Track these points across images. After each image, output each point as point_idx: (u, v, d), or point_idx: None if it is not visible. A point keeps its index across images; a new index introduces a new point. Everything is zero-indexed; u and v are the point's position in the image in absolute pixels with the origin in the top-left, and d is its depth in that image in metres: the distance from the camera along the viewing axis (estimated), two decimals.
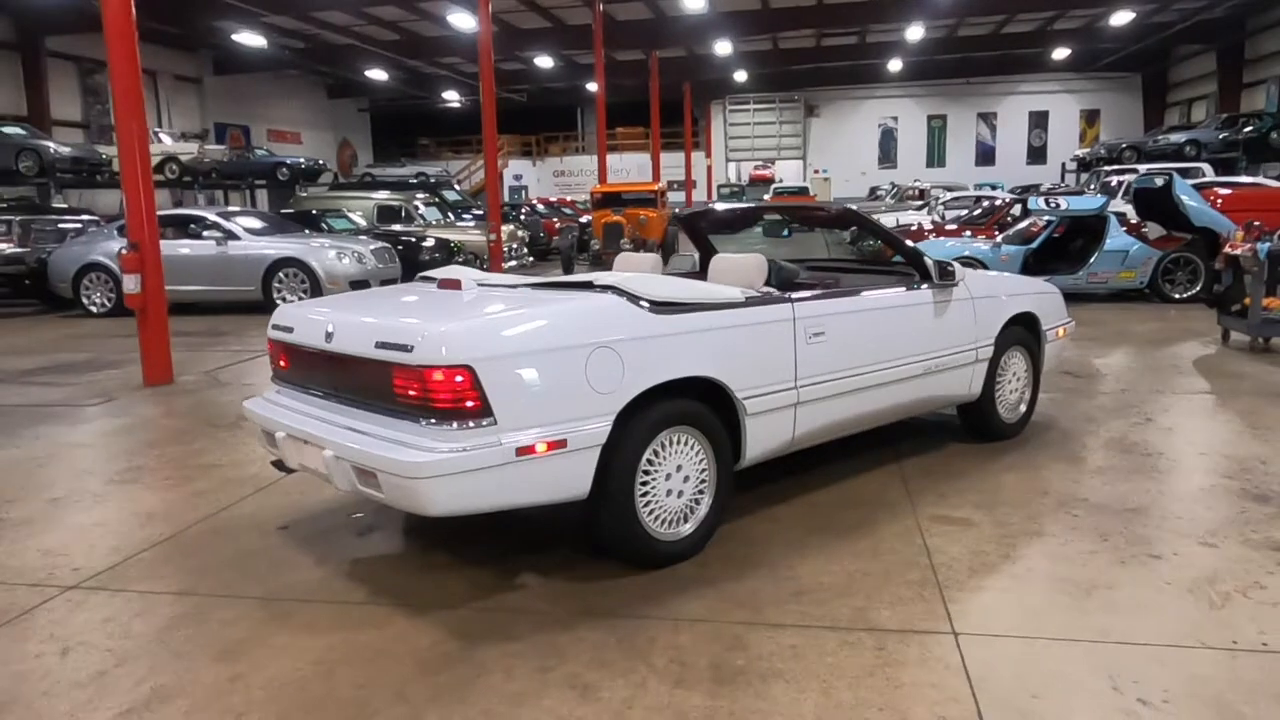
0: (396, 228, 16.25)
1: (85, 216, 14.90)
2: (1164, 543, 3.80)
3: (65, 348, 9.87)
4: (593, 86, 23.68)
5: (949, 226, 15.25)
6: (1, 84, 22.16)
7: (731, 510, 4.12)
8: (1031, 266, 11.27)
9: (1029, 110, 37.81)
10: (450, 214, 19.28)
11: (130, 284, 7.53)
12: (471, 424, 3.13)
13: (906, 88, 37.32)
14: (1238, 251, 8.03)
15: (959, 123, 38.44)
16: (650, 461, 3.54)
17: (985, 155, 38.35)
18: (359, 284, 11.55)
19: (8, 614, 3.40)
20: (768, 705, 2.68)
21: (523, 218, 21.14)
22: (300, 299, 10.96)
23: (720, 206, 5.99)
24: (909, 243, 5.01)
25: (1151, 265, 11.18)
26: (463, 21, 21.82)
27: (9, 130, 18.53)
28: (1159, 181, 10.82)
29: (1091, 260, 11.24)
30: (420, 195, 19.30)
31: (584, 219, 21.84)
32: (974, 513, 4.21)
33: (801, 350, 4.02)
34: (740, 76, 34.17)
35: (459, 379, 3.10)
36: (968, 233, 13.41)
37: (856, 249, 13.47)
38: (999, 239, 12.00)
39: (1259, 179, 18.22)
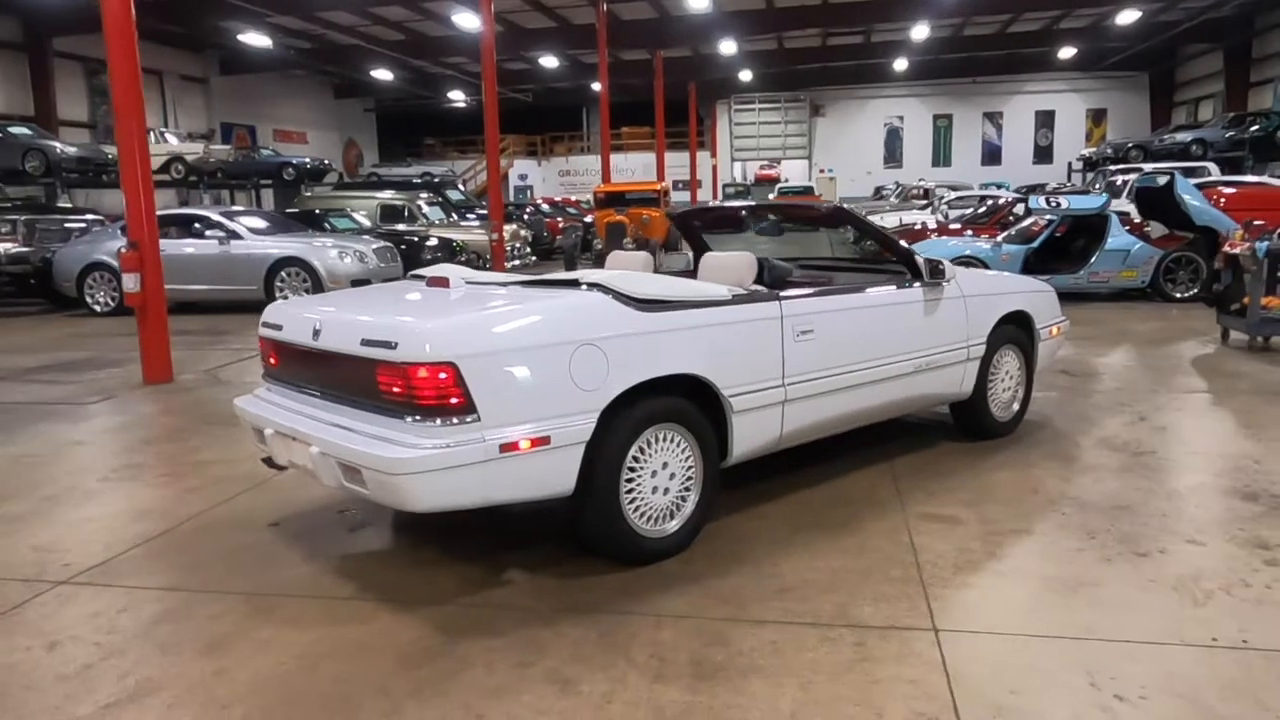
0: (400, 227, 16.30)
1: (90, 216, 14.98)
2: (1151, 541, 3.80)
3: (68, 346, 9.93)
4: (598, 86, 23.69)
5: (952, 226, 15.24)
6: (9, 84, 22.28)
7: (719, 507, 4.14)
8: (1033, 266, 11.25)
9: (1035, 109, 37.66)
10: (453, 214, 19.33)
11: (130, 283, 7.57)
12: (455, 420, 3.14)
13: (912, 87, 37.23)
14: (1237, 250, 8.01)
15: (965, 122, 38.31)
16: (635, 458, 3.55)
17: (991, 155, 38.23)
18: (360, 283, 11.58)
19: None
20: (745, 700, 2.69)
21: (526, 217, 21.18)
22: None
23: (713, 205, 6.01)
24: (901, 242, 5.02)
25: (1153, 264, 11.16)
26: (467, 21, 21.84)
27: (15, 130, 18.63)
28: (1161, 181, 10.79)
29: (1093, 260, 11.22)
30: (424, 195, 19.34)
31: (588, 219, 21.86)
32: (962, 511, 4.21)
33: (789, 348, 4.03)
34: (745, 76, 34.14)
35: (442, 376, 3.12)
36: (969, 232, 13.39)
37: (859, 248, 13.46)
38: (1000, 238, 11.98)
39: (1264, 178, 18.14)
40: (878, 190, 31.97)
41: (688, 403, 3.70)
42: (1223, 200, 13.74)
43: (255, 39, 23.88)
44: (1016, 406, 5.45)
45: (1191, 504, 4.23)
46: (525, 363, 3.26)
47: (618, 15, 24.91)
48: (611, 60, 26.64)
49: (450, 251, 14.54)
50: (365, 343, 3.29)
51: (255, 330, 4.11)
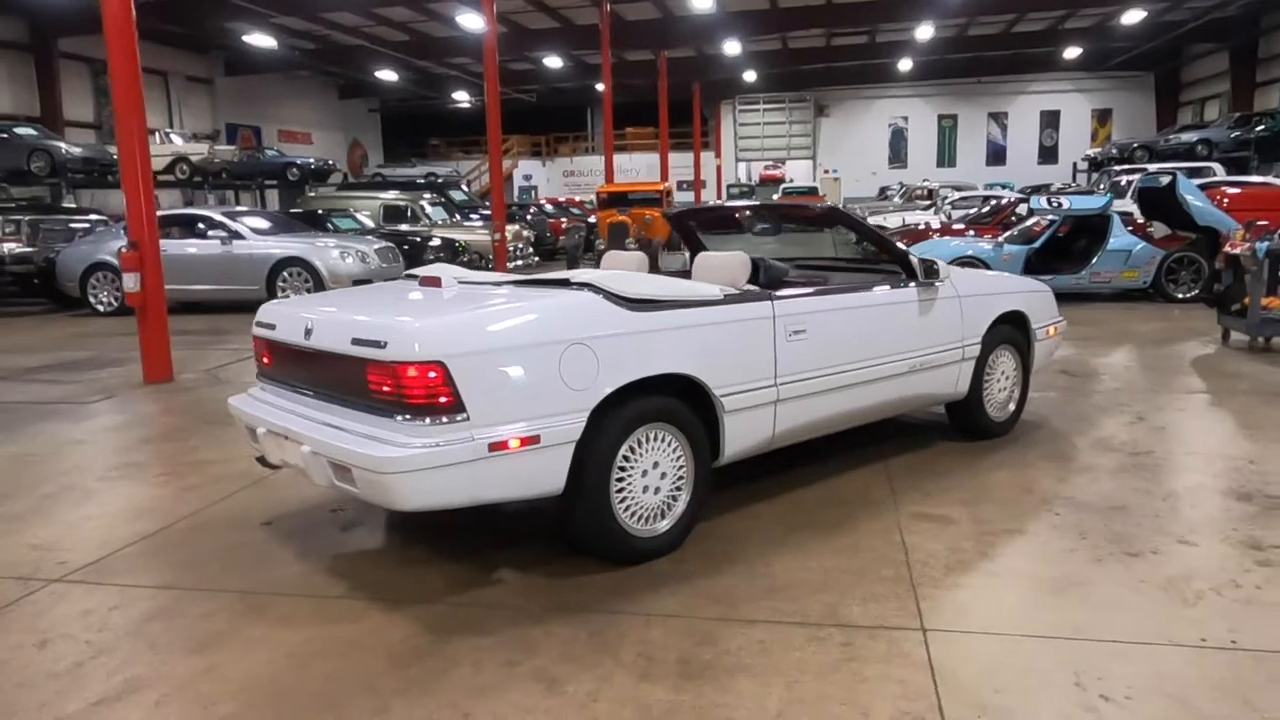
0: (403, 228, 16.34)
1: (93, 216, 15.03)
2: (1143, 541, 3.79)
3: (70, 346, 9.97)
4: (602, 87, 23.70)
5: (956, 226, 15.22)
6: (15, 85, 22.38)
7: (712, 507, 4.14)
8: (1034, 266, 11.23)
9: (1040, 109, 37.60)
10: (456, 214, 19.36)
11: (130, 283, 7.60)
12: (445, 419, 3.15)
13: (917, 87, 37.19)
14: (1237, 251, 7.98)
15: (970, 122, 38.26)
16: (626, 458, 3.55)
17: (996, 155, 38.17)
18: (362, 283, 11.60)
19: None
20: (731, 699, 2.70)
21: (529, 218, 21.19)
22: None
23: (707, 206, 6.02)
24: (899, 242, 5.02)
25: (1155, 265, 11.13)
26: (471, 22, 21.86)
27: (21, 131, 18.73)
28: (1163, 181, 10.76)
29: (1094, 260, 11.20)
30: (427, 195, 19.38)
31: (591, 219, 21.88)
32: (956, 510, 4.21)
33: (781, 348, 4.03)
34: (750, 76, 34.13)
35: (432, 375, 3.12)
36: (971, 232, 13.38)
37: (861, 248, 13.45)
38: (1002, 238, 11.96)
39: (1269, 178, 18.07)
40: (882, 191, 31.97)
41: (679, 402, 3.71)
42: (1226, 200, 13.71)
43: (260, 40, 23.94)
44: (1013, 407, 5.44)
45: (1186, 504, 4.22)
46: (514, 362, 3.27)
47: (621, 16, 24.92)
48: (616, 61, 26.66)
49: (453, 252, 14.56)
50: (355, 342, 3.30)
51: None
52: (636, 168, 37.57)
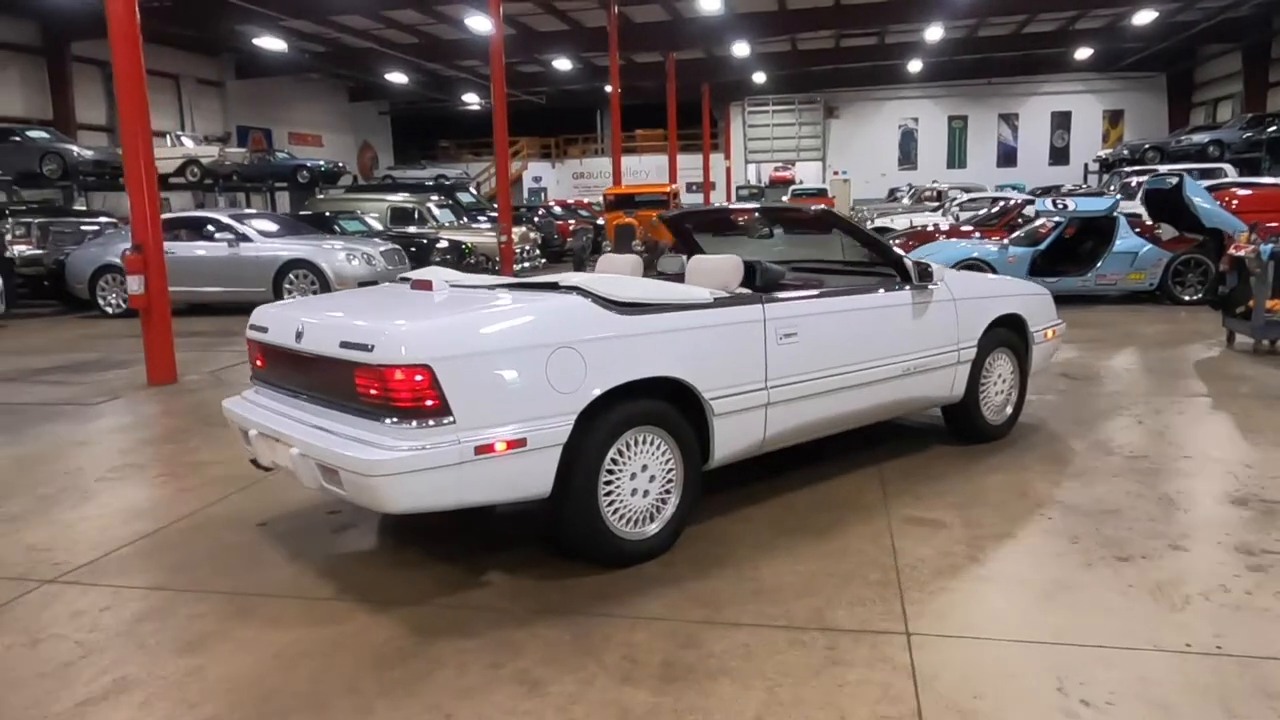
0: (410, 230, 16.41)
1: (103, 219, 15.16)
2: (1135, 545, 3.78)
3: (78, 348, 10.05)
4: (611, 88, 23.75)
5: (964, 228, 15.17)
6: (28, 88, 22.55)
7: (704, 510, 4.15)
8: (1040, 268, 11.19)
9: (1051, 110, 37.39)
10: (464, 216, 19.42)
11: (134, 285, 7.65)
12: (431, 422, 3.17)
13: (927, 88, 37.06)
14: (1242, 253, 7.94)
15: (980, 123, 38.09)
16: (614, 461, 3.56)
17: (1007, 156, 38.00)
18: (367, 285, 11.66)
19: None
20: (711, 703, 2.70)
21: (536, 220, 21.23)
22: None
23: (702, 209, 6.04)
24: (895, 245, 5.01)
25: (1161, 267, 11.07)
26: (480, 24, 21.95)
27: (34, 134, 18.90)
28: (1170, 182, 10.71)
29: (1100, 262, 11.15)
30: (434, 197, 19.44)
31: (599, 221, 21.92)
32: (947, 514, 4.20)
33: (772, 351, 4.03)
34: (759, 78, 34.10)
35: (418, 378, 3.14)
36: (977, 234, 13.33)
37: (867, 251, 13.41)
38: (1007, 240, 11.92)
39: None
40: (892, 192, 31.88)
41: (668, 405, 3.71)
42: (1236, 202, 13.63)
43: (270, 43, 24.08)
44: (1010, 410, 5.42)
45: (1180, 509, 4.20)
46: (501, 365, 3.28)
47: (630, 18, 24.96)
48: (624, 63, 26.70)
49: (459, 254, 14.62)
50: (344, 345, 3.32)
51: None
52: (646, 169, 37.56)
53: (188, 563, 3.89)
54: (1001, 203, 17.22)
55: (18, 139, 18.36)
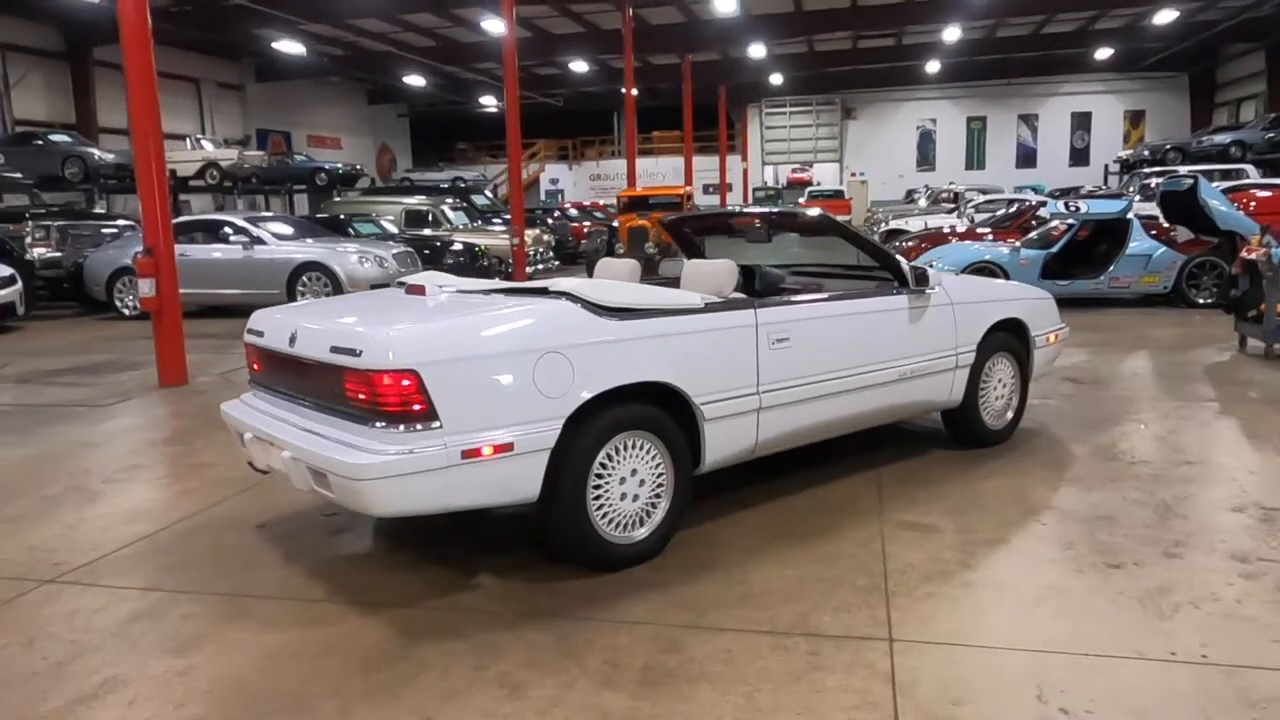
0: (425, 232, 16.50)
1: (121, 221, 15.33)
2: (1127, 552, 3.75)
3: (93, 349, 10.18)
4: None
5: (980, 230, 15.07)
6: (51, 92, 22.87)
7: (696, 514, 4.16)
8: (1053, 271, 11.11)
9: (1071, 111, 37.07)
10: (479, 218, 19.49)
11: (145, 288, 7.75)
12: (419, 427, 3.20)
13: (945, 89, 36.84)
14: (1254, 255, 7.85)
15: (999, 124, 37.83)
16: (603, 465, 3.58)
17: (1026, 157, 37.72)
18: (380, 288, 11.74)
19: None
20: (690, 707, 2.71)
21: (550, 222, 21.29)
22: None
23: (701, 213, 6.06)
24: (892, 250, 5.00)
25: (1176, 270, 10.97)
26: (497, 27, 21.98)
27: (56, 138, 19.16)
28: (1186, 184, 10.60)
29: (1114, 265, 11.05)
30: (449, 200, 19.53)
31: (615, 223, 21.94)
32: (942, 519, 4.19)
33: (764, 356, 4.03)
34: (776, 79, 34.03)
35: (405, 383, 3.17)
36: (990, 236, 13.25)
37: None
38: (1020, 243, 11.84)
39: None
40: (909, 193, 31.71)
41: (659, 410, 3.73)
42: (1255, 204, 13.48)
43: (289, 46, 24.28)
44: (1010, 415, 5.40)
45: (1178, 515, 4.17)
46: (488, 370, 3.31)
47: (646, 20, 24.99)
48: (640, 65, 26.74)
49: (472, 256, 14.68)
50: (334, 350, 3.35)
51: None
52: (663, 171, 37.57)
53: (185, 564, 3.94)
54: (1017, 204, 17.11)
55: (40, 143, 18.63)
